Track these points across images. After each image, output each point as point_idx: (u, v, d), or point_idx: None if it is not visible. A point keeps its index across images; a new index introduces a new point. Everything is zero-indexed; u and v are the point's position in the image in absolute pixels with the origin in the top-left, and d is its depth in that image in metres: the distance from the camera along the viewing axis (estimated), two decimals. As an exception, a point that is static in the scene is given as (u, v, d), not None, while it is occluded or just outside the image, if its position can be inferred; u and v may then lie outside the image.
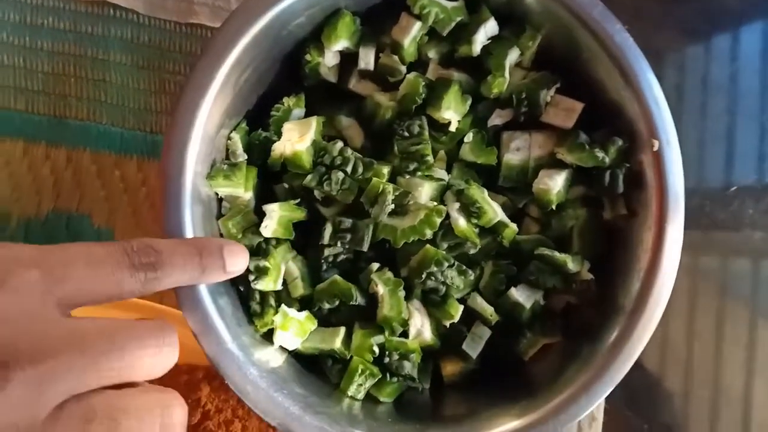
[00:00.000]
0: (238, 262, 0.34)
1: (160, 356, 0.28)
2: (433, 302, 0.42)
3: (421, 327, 0.41)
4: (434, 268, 0.40)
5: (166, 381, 0.46)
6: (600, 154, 0.40)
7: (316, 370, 0.42)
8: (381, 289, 0.40)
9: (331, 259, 0.41)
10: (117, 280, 0.27)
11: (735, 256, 0.54)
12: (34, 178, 0.45)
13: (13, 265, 0.25)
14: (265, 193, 0.42)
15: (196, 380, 0.46)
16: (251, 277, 0.39)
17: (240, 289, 0.40)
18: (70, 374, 0.24)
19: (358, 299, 0.40)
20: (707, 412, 0.53)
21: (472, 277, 0.41)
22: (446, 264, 0.40)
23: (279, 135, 0.41)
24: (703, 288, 0.53)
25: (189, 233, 0.37)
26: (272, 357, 0.40)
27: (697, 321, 0.53)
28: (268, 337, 0.40)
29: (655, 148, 0.39)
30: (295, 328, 0.39)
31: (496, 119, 0.42)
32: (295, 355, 0.41)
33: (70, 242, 0.28)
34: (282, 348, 0.40)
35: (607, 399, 0.53)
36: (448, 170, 0.42)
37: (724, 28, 0.55)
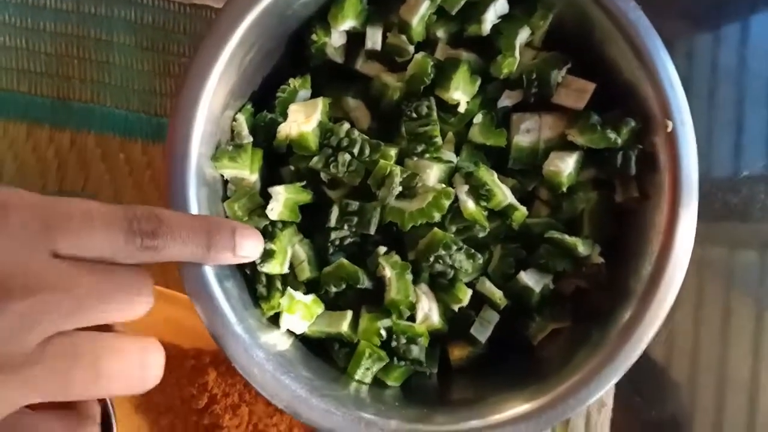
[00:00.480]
0: (249, 245, 0.34)
1: (140, 302, 0.29)
2: (441, 286, 0.41)
3: (428, 311, 0.41)
4: (442, 252, 0.39)
5: (174, 366, 0.46)
6: (612, 136, 0.39)
7: (323, 354, 0.42)
8: (388, 273, 0.40)
9: (337, 242, 0.40)
10: (111, 240, 0.27)
11: (742, 246, 0.54)
12: (38, 160, 0.45)
13: (13, 207, 0.26)
14: (271, 176, 0.41)
15: (203, 365, 0.46)
16: (257, 260, 0.38)
17: (246, 272, 0.40)
18: (59, 311, 0.26)
19: (365, 282, 0.40)
20: (713, 401, 0.53)
21: (480, 261, 0.41)
22: (454, 247, 0.39)
23: (285, 116, 0.40)
24: (709, 278, 0.53)
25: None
26: (279, 340, 0.39)
27: (703, 311, 0.53)
28: (274, 320, 0.40)
29: (669, 129, 0.38)
30: (301, 312, 0.39)
31: (506, 100, 0.42)
32: (302, 339, 0.41)
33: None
34: (289, 331, 0.40)
35: (616, 385, 0.53)
36: (457, 152, 0.42)
37: (733, 14, 0.54)
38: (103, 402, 0.42)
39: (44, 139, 0.45)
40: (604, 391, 0.40)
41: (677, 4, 0.53)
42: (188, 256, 0.32)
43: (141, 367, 0.29)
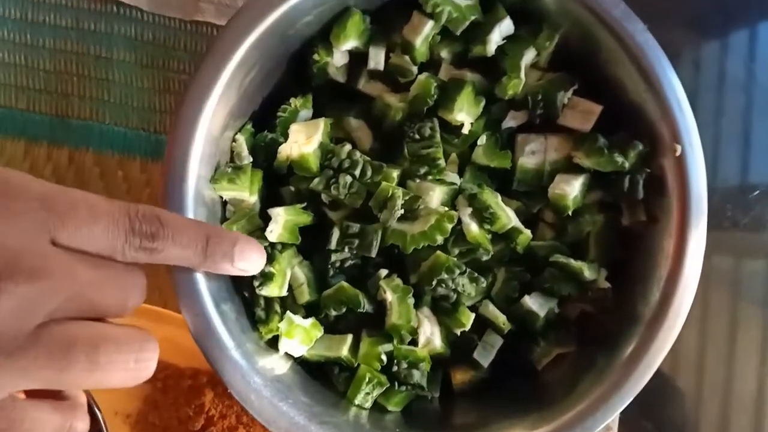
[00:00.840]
0: (249, 258, 0.33)
1: (132, 300, 0.30)
2: (444, 310, 0.40)
3: (430, 335, 0.40)
4: (445, 275, 0.38)
5: (170, 386, 0.46)
6: (619, 159, 0.38)
7: (322, 377, 0.41)
8: (389, 296, 0.39)
9: (338, 264, 0.39)
10: (112, 237, 0.28)
11: (749, 256, 0.53)
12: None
13: (20, 192, 0.26)
14: (270, 197, 0.41)
15: (200, 385, 0.45)
16: (256, 283, 0.38)
17: (244, 294, 0.39)
18: (59, 298, 0.26)
19: (366, 306, 0.39)
20: (719, 415, 0.52)
21: (484, 285, 0.40)
22: (457, 271, 0.38)
23: (285, 137, 0.40)
24: (716, 289, 0.52)
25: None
26: (277, 364, 0.39)
27: (709, 321, 0.52)
28: (272, 343, 0.39)
29: (678, 153, 0.37)
30: (300, 336, 0.38)
31: (511, 121, 0.41)
32: (301, 363, 0.40)
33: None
34: (287, 355, 0.39)
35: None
36: (460, 174, 0.41)
37: (740, 23, 0.53)
38: (97, 428, 0.41)
39: (42, 156, 0.44)
40: (611, 419, 0.39)
41: (684, 13, 0.52)
42: (185, 261, 0.32)
43: (136, 360, 0.29)
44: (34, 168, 0.44)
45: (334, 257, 0.39)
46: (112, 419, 0.45)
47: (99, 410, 0.41)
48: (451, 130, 0.40)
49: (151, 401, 0.46)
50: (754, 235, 0.53)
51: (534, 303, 0.41)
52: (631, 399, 0.38)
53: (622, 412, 0.51)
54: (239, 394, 0.36)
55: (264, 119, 0.41)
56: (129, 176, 0.44)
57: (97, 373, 0.27)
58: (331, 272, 0.40)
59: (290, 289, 0.40)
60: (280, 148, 0.39)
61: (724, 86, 0.52)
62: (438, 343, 0.40)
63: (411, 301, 0.39)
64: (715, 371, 0.52)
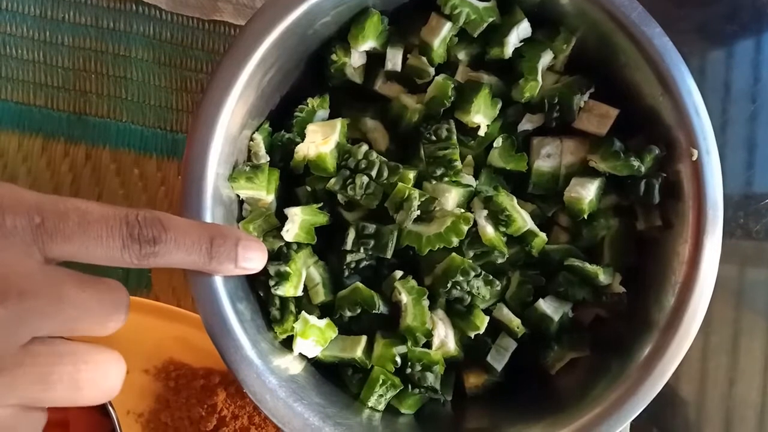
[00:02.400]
0: (252, 257, 0.33)
1: (115, 321, 0.29)
2: (458, 312, 0.40)
3: (444, 338, 0.40)
4: (460, 278, 0.38)
5: (183, 385, 0.46)
6: (635, 163, 0.38)
7: (336, 378, 0.41)
8: (404, 298, 0.39)
9: (353, 265, 0.39)
10: (107, 247, 0.27)
11: (752, 265, 0.53)
12: (52, 174, 0.44)
13: (7, 207, 0.26)
14: (287, 196, 0.41)
15: (212, 385, 0.45)
16: (271, 283, 0.38)
17: (260, 294, 0.39)
18: (45, 317, 0.26)
19: (381, 308, 0.39)
20: (722, 424, 0.51)
21: (498, 288, 0.40)
22: (472, 273, 0.38)
23: (302, 136, 0.40)
24: (719, 297, 0.52)
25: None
26: (291, 364, 0.39)
27: (712, 329, 0.52)
28: (287, 344, 0.39)
29: (694, 158, 0.37)
30: (315, 336, 0.38)
31: (527, 124, 0.41)
32: (315, 363, 0.40)
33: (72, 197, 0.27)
34: (301, 356, 0.39)
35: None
36: (476, 176, 0.41)
37: (747, 32, 0.53)
38: (111, 426, 0.41)
39: (59, 153, 0.44)
40: (625, 425, 0.39)
41: (691, 21, 0.52)
42: (188, 264, 0.31)
43: (109, 380, 0.28)
44: (52, 164, 0.44)
45: (349, 258, 0.39)
46: (125, 418, 0.45)
47: (113, 409, 0.41)
48: (467, 132, 0.40)
49: (163, 400, 0.46)
50: (759, 244, 0.53)
51: (548, 307, 0.41)
52: (645, 405, 0.38)
53: (634, 423, 0.51)
54: (254, 394, 0.36)
55: (281, 119, 0.41)
56: (145, 174, 0.45)
57: (77, 392, 0.27)
58: (347, 273, 0.40)
59: (305, 289, 0.39)
60: (297, 147, 0.39)
61: (731, 94, 0.52)
62: (452, 345, 0.40)
63: (426, 303, 0.39)
64: (719, 381, 0.51)
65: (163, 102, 0.45)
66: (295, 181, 0.41)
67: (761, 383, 0.52)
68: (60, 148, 0.44)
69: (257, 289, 0.39)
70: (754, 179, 0.53)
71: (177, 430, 0.45)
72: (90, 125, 0.44)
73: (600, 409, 0.38)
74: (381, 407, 0.40)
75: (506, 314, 0.41)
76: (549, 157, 0.41)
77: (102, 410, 0.41)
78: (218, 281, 0.36)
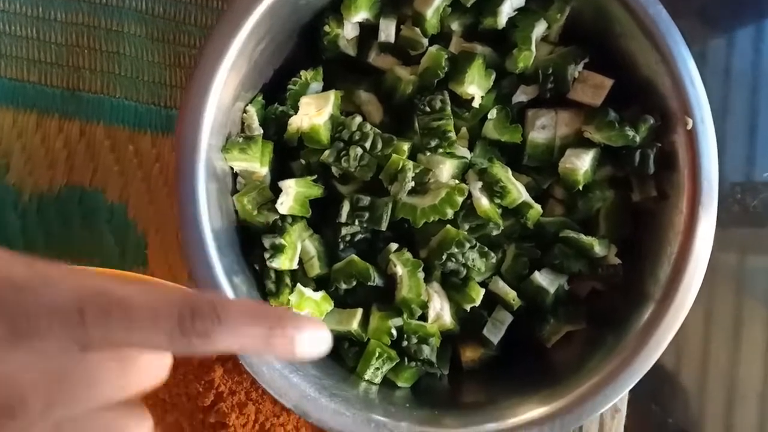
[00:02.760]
0: (312, 344, 0.28)
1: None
2: (454, 285, 0.40)
3: (440, 310, 0.40)
4: (455, 250, 0.38)
5: (180, 362, 0.46)
6: (630, 133, 0.38)
7: (332, 353, 0.41)
8: (399, 270, 0.39)
9: (348, 238, 0.39)
10: (150, 341, 0.24)
11: (753, 252, 0.53)
12: (47, 151, 0.44)
13: (42, 306, 0.23)
14: (281, 170, 0.41)
15: (209, 361, 0.45)
16: (266, 255, 0.38)
17: (255, 267, 0.39)
18: (77, 405, 0.24)
19: (376, 280, 0.39)
20: (723, 410, 0.52)
21: (494, 260, 0.40)
22: (467, 245, 0.38)
23: (296, 109, 0.40)
24: (721, 284, 0.52)
25: (203, 209, 0.36)
26: (287, 338, 0.39)
27: (714, 317, 0.52)
28: (282, 317, 0.39)
29: (689, 127, 0.37)
30: (311, 309, 0.38)
31: (521, 96, 0.41)
32: (310, 337, 0.40)
33: (124, 282, 0.25)
34: (297, 329, 0.39)
35: (632, 391, 0.52)
36: (471, 149, 0.41)
37: (747, 17, 0.53)
38: None
39: (53, 129, 0.44)
40: (621, 397, 0.39)
41: (691, 6, 0.52)
42: (239, 351, 0.28)
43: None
44: (46, 140, 0.44)
45: (344, 231, 0.39)
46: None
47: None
48: (461, 103, 0.40)
49: (160, 376, 0.46)
50: (759, 231, 0.53)
51: (544, 279, 0.40)
52: (641, 376, 0.38)
53: (630, 395, 0.51)
54: (251, 366, 0.36)
55: (275, 93, 0.41)
56: (140, 150, 0.44)
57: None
58: (342, 246, 0.39)
59: (300, 262, 0.39)
60: (290, 120, 0.39)
61: (731, 79, 0.52)
62: (448, 318, 0.40)
63: (421, 275, 0.39)
64: (720, 367, 0.51)
65: (156, 78, 0.44)
66: (290, 156, 0.41)
67: (763, 370, 0.52)
68: (54, 124, 0.44)
69: (253, 263, 0.39)
70: (755, 163, 0.53)
71: (175, 406, 0.45)
72: (84, 101, 0.44)
73: (596, 379, 0.38)
74: (377, 380, 0.40)
75: (502, 287, 0.41)
76: (544, 128, 0.40)
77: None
78: (214, 255, 0.36)
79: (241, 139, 0.38)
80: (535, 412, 0.38)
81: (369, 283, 0.39)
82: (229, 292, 0.36)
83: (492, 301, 0.41)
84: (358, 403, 0.37)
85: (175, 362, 0.47)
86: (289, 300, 0.38)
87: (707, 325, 0.52)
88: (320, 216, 0.40)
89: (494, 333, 0.41)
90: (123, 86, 0.44)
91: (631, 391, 0.52)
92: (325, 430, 0.37)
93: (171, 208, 0.44)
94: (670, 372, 0.52)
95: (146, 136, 0.45)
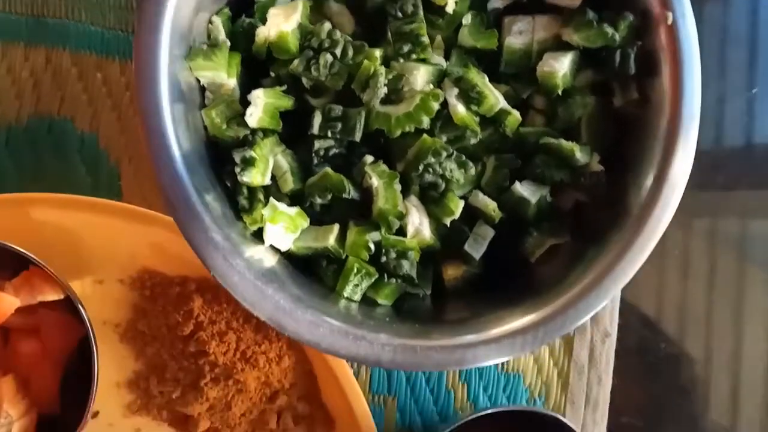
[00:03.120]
0: None
1: None
2: (432, 199, 0.39)
3: (419, 225, 0.39)
4: (432, 159, 0.37)
5: (159, 293, 0.45)
6: (609, 31, 0.37)
7: (311, 274, 0.40)
8: (375, 182, 0.38)
9: (322, 152, 0.38)
10: None
11: (754, 216, 0.52)
12: (13, 81, 0.43)
13: None
14: (252, 86, 0.39)
15: (188, 292, 0.44)
16: (237, 170, 0.37)
17: (227, 184, 0.38)
18: None
19: (352, 192, 0.38)
20: (728, 379, 0.51)
21: (473, 171, 0.39)
22: (444, 154, 0.37)
23: (264, 21, 0.38)
24: (722, 249, 0.51)
25: (168, 122, 0.35)
26: (264, 256, 0.38)
27: (716, 282, 0.51)
28: (258, 236, 0.38)
29: (669, 22, 0.36)
30: (285, 223, 0.37)
31: (497, 2, 0.40)
32: (289, 258, 0.39)
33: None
34: (273, 248, 0.38)
35: (621, 315, 0.52)
36: (447, 58, 0.40)
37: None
38: (84, 332, 0.41)
39: (19, 58, 0.43)
40: (602, 306, 0.38)
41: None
42: None
43: None
44: (12, 70, 0.43)
45: (317, 144, 0.38)
46: (101, 328, 0.44)
47: (87, 315, 0.40)
48: (435, 11, 0.39)
49: (140, 310, 0.45)
50: (760, 194, 0.52)
51: (525, 190, 0.39)
52: (624, 284, 0.37)
53: (621, 320, 0.51)
54: (222, 278, 0.35)
55: (242, 6, 0.39)
56: (108, 78, 0.43)
57: None
58: (316, 161, 0.38)
59: (273, 178, 0.38)
60: (257, 30, 0.38)
61: (727, 41, 0.51)
62: (427, 233, 0.39)
63: (398, 186, 0.38)
64: (724, 336, 0.51)
65: (122, 2, 0.43)
66: (260, 73, 0.40)
67: (766, 336, 0.51)
68: (20, 53, 0.43)
69: (225, 180, 0.38)
70: (753, 127, 0.52)
71: (155, 338, 0.45)
72: (49, 28, 0.43)
73: (578, 289, 0.37)
74: (357, 297, 0.39)
75: (482, 199, 0.40)
76: (521, 33, 0.39)
77: (76, 316, 0.41)
78: (183, 173, 0.35)
79: (205, 46, 0.37)
80: (518, 322, 0.37)
81: (344, 196, 0.38)
82: (200, 207, 0.35)
83: (473, 216, 0.40)
84: (339, 317, 0.37)
85: (154, 295, 0.46)
86: (262, 215, 0.37)
87: (710, 293, 0.51)
88: (294, 133, 0.39)
89: (476, 248, 0.40)
90: (88, 11, 0.43)
91: (621, 315, 0.51)
92: (302, 344, 0.36)
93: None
94: (672, 344, 0.51)
95: (114, 64, 0.44)
